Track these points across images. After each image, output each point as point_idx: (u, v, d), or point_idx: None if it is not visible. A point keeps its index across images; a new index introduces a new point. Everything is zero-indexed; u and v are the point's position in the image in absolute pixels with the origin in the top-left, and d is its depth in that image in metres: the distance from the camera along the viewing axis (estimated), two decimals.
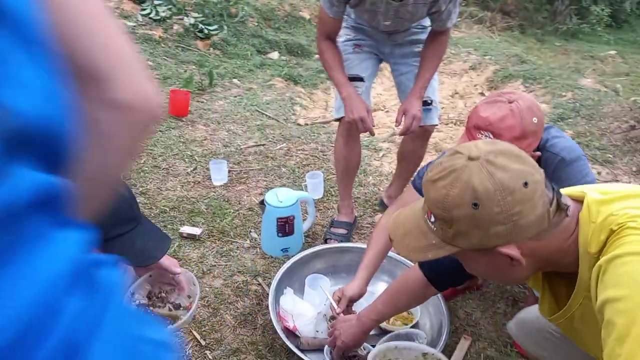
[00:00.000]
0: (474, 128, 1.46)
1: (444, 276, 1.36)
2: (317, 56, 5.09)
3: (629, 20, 7.91)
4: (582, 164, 1.50)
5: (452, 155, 0.88)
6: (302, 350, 1.64)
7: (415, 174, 1.82)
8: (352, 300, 1.73)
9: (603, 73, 5.47)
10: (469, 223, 0.82)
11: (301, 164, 2.91)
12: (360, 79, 2.11)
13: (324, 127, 3.52)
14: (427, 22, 2.08)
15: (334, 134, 3.36)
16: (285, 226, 2.09)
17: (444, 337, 1.69)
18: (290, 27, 5.39)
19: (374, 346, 1.71)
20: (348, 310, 1.75)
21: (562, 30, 7.32)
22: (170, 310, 1.30)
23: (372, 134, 2.08)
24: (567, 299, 0.95)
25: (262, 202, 2.12)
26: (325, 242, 2.23)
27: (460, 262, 0.97)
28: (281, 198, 2.08)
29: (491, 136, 1.42)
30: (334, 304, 1.74)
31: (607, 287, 0.77)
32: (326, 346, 1.68)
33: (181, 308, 1.33)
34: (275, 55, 4.86)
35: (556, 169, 1.49)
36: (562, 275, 0.95)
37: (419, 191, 1.78)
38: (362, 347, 1.68)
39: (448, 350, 1.74)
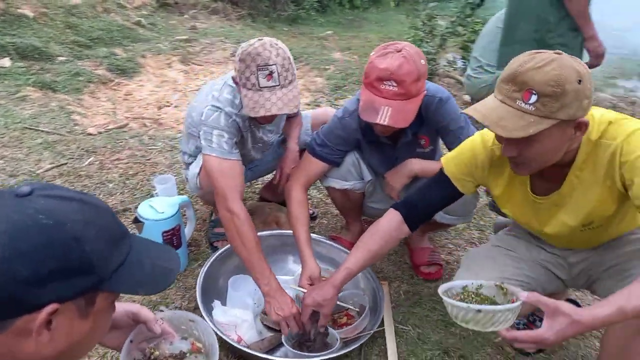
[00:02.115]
0: (377, 80, 1.54)
1: (418, 215, 1.48)
2: (61, 58, 4.31)
3: (330, 5, 9.34)
4: (453, 100, 1.77)
5: (534, 54, 1.09)
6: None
7: (311, 141, 1.81)
8: (317, 278, 1.65)
9: (333, 49, 6.35)
10: (574, 96, 1.05)
11: (127, 174, 2.49)
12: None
13: (124, 131, 3.05)
14: None
15: (144, 135, 2.98)
16: (172, 239, 1.78)
17: (383, 294, 1.75)
18: (12, 27, 4.37)
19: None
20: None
21: (284, 17, 8.11)
22: None
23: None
24: (551, 185, 1.24)
25: (136, 220, 1.75)
26: (212, 245, 2.00)
27: (525, 148, 1.13)
28: (161, 209, 1.76)
29: (394, 84, 1.53)
30: (301, 290, 1.62)
31: (634, 150, 1.09)
32: (283, 336, 1.55)
33: (188, 355, 0.98)
34: (6, 62, 3.88)
35: (437, 107, 1.70)
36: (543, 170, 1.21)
37: (319, 157, 1.80)
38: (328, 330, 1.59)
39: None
